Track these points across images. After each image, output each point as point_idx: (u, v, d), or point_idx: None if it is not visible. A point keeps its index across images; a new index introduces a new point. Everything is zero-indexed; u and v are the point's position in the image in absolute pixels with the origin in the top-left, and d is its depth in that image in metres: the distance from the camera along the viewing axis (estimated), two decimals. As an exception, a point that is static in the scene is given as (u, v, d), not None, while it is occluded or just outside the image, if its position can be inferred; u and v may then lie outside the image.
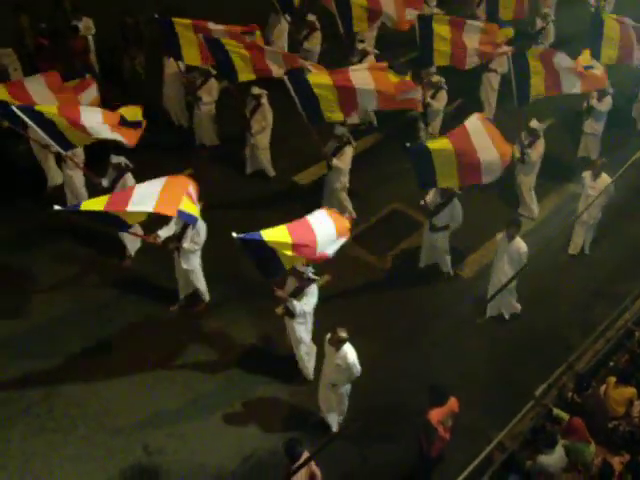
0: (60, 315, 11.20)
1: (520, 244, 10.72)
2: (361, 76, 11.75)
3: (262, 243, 8.55)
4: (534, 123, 12.88)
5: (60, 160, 12.56)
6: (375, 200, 13.24)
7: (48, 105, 10.96)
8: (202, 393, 10.22)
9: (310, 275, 9.58)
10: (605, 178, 11.93)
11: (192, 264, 10.90)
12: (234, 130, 13.94)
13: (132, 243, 12.10)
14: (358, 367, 9.08)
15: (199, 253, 10.89)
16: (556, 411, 9.34)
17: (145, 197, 9.31)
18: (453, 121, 14.96)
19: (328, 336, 9.10)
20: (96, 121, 10.85)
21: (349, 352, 9.00)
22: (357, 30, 14.80)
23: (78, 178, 12.52)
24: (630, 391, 9.47)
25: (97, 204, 9.27)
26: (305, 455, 7.91)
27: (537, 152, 12.89)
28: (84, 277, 11.95)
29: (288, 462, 7.97)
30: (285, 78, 11.63)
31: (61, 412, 9.86)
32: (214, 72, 13.85)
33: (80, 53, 15.17)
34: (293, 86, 11.57)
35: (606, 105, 14.05)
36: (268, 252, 8.70)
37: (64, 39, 15.17)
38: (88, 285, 11.79)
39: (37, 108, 10.62)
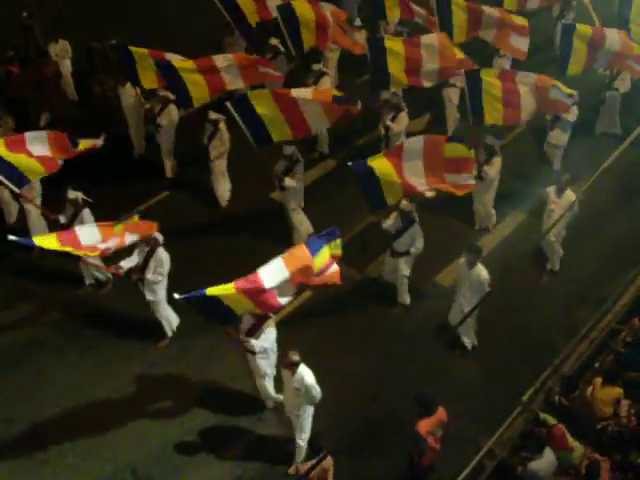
0: (42, 347, 11.11)
1: (481, 271, 10.34)
2: (303, 95, 11.74)
3: (207, 297, 8.36)
4: (489, 139, 12.48)
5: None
6: (352, 216, 13.22)
7: None
8: (188, 418, 10.17)
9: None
10: (569, 194, 11.49)
11: (157, 295, 10.69)
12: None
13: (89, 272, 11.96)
14: (317, 388, 8.85)
15: (164, 284, 10.65)
16: (542, 415, 9.36)
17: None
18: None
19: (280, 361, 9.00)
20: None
21: (305, 374, 8.79)
22: (307, 47, 14.21)
23: (34, 211, 12.36)
24: (617, 391, 9.55)
25: (50, 240, 9.51)
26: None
27: (494, 169, 12.45)
28: (62, 309, 11.82)
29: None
30: (228, 104, 11.52)
31: (49, 442, 9.76)
32: (172, 97, 13.63)
33: (51, 78, 15.03)
34: (237, 111, 11.45)
35: (573, 115, 13.47)
36: (215, 303, 8.48)
37: (34, 65, 15.01)
38: (68, 315, 11.70)
39: None
